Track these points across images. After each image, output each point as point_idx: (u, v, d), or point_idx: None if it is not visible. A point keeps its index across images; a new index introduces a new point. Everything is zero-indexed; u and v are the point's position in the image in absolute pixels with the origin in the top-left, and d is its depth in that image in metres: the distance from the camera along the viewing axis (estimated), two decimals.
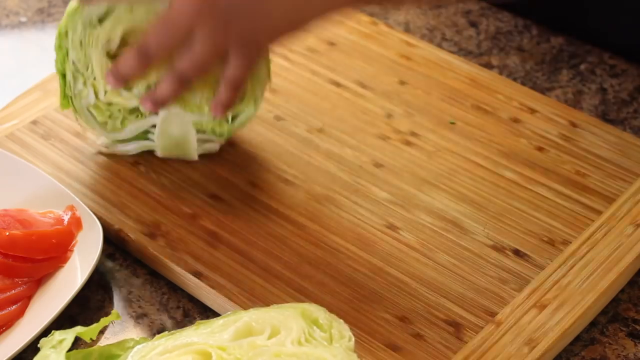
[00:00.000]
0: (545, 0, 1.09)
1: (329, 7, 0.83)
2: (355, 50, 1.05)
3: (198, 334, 0.68)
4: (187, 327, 0.69)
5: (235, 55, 0.82)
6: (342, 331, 0.68)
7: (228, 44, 0.82)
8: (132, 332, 0.80)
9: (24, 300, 0.80)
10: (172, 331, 0.69)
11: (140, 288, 0.84)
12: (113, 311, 0.71)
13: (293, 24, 0.82)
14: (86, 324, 0.80)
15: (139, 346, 0.68)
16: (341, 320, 0.69)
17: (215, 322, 0.69)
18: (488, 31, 1.10)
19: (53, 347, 0.68)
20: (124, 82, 0.85)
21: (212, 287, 0.81)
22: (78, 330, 0.68)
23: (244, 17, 0.81)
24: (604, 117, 0.99)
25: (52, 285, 0.81)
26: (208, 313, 0.82)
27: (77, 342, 0.76)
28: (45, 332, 0.74)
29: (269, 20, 0.82)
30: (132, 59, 0.83)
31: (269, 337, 0.67)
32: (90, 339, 0.72)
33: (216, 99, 0.85)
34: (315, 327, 0.68)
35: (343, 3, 0.84)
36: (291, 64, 1.03)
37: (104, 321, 0.70)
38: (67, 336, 0.68)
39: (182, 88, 0.84)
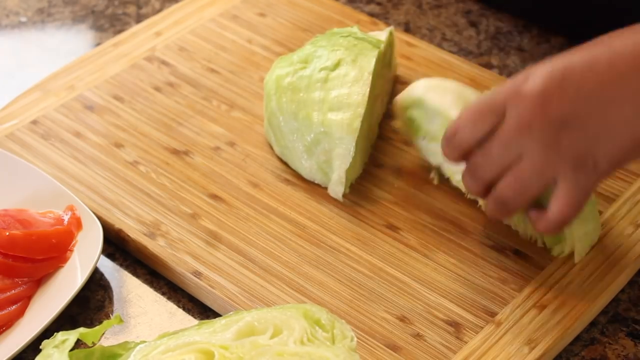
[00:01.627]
0: (545, 0, 1.09)
1: None
2: None
3: (200, 333, 0.68)
4: (189, 327, 0.69)
5: (565, 183, 0.71)
6: (345, 331, 0.68)
7: (558, 163, 0.70)
8: (132, 332, 0.80)
9: (24, 300, 0.80)
10: (174, 331, 0.69)
11: (140, 288, 0.84)
12: (115, 315, 0.71)
13: (633, 144, 0.69)
14: (86, 324, 0.80)
15: (141, 345, 0.68)
16: (343, 321, 0.69)
17: (218, 322, 0.69)
18: (488, 31, 1.10)
19: (55, 346, 0.68)
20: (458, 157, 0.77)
21: (212, 287, 0.81)
22: (81, 331, 0.68)
23: (580, 128, 0.68)
24: None
25: (52, 285, 0.81)
26: (208, 313, 0.82)
27: (77, 343, 0.76)
28: (45, 332, 0.75)
29: (612, 134, 0.69)
30: (445, 147, 0.76)
31: (272, 337, 0.67)
32: (92, 342, 0.72)
33: (542, 215, 0.74)
34: (317, 327, 0.68)
35: None
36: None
37: (106, 324, 0.70)
38: (69, 337, 0.68)
39: (503, 212, 0.75)
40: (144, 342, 0.69)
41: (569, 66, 0.70)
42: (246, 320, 0.68)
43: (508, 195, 0.74)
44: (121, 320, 0.71)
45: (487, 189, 0.76)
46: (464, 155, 0.76)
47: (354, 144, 0.85)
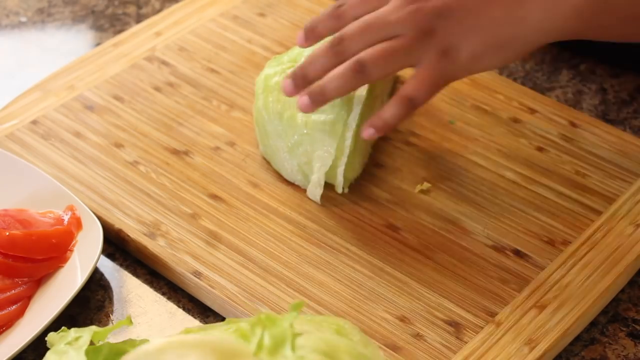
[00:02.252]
0: None
1: (541, 35, 0.75)
2: None
3: (229, 333, 0.65)
4: (217, 324, 0.67)
5: (426, 64, 0.76)
6: (376, 357, 0.66)
7: (427, 47, 0.76)
8: (132, 331, 0.80)
9: (24, 300, 0.80)
10: (201, 326, 0.67)
11: (140, 288, 0.84)
12: (127, 316, 0.71)
13: (497, 44, 0.75)
14: (86, 324, 0.80)
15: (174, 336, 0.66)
16: (375, 342, 0.66)
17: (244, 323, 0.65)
18: None
19: (69, 343, 0.67)
20: (312, 42, 0.80)
21: (212, 287, 0.81)
22: (94, 329, 0.68)
23: (457, 21, 0.75)
24: (604, 117, 0.99)
25: (52, 285, 0.81)
26: (208, 313, 0.82)
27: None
28: (45, 332, 0.74)
29: (481, 30, 0.75)
30: (324, 17, 0.79)
31: None
32: (99, 341, 0.71)
33: (377, 114, 0.79)
34: None
35: (557, 35, 0.77)
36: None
37: (117, 325, 0.70)
38: (83, 334, 0.67)
39: (357, 78, 0.77)
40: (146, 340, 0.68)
41: None
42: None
43: (368, 61, 0.77)
44: (131, 322, 0.70)
45: (324, 72, 0.79)
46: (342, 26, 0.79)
47: (335, 146, 0.85)
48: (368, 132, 0.80)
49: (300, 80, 0.81)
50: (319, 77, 0.80)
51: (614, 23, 0.79)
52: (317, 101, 0.80)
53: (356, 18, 0.79)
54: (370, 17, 0.78)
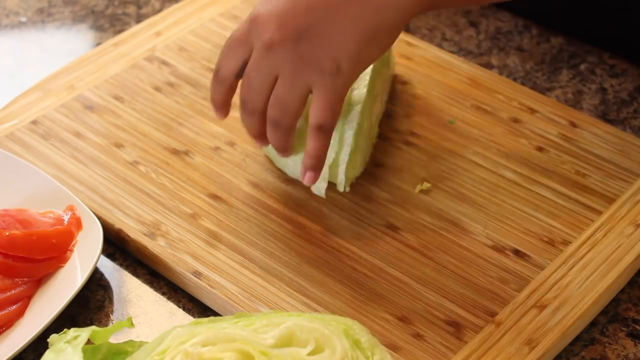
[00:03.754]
0: (545, 0, 1.09)
1: (401, 14, 0.77)
2: None
3: (240, 328, 0.66)
4: (226, 317, 0.67)
5: (317, 88, 0.76)
6: (384, 359, 0.66)
7: (305, 73, 0.76)
8: (132, 331, 0.80)
9: (24, 300, 0.80)
10: (209, 319, 0.67)
11: (140, 288, 0.84)
12: (128, 317, 0.71)
13: (367, 37, 0.75)
14: (86, 324, 0.80)
15: (178, 329, 0.66)
16: (382, 346, 0.66)
17: (258, 320, 0.66)
18: (488, 31, 1.10)
19: (67, 342, 0.67)
20: (223, 110, 0.83)
21: (212, 287, 0.81)
22: (93, 329, 0.68)
23: (315, 35, 0.75)
24: (604, 117, 0.99)
25: (52, 285, 0.81)
26: (208, 313, 0.82)
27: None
28: (45, 332, 0.75)
29: (344, 33, 0.75)
30: (213, 86, 0.82)
31: (312, 353, 0.65)
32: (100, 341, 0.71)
33: (304, 160, 0.80)
34: (357, 350, 0.65)
35: (414, 9, 0.78)
36: None
37: (118, 325, 0.70)
38: (82, 333, 0.67)
39: (283, 134, 0.80)
40: (146, 342, 0.69)
41: None
42: (288, 325, 0.66)
43: (275, 116, 0.78)
44: (132, 324, 0.70)
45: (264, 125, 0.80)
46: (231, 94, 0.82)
47: (335, 145, 0.84)
48: (308, 178, 0.81)
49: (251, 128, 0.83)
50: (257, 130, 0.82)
51: None
52: (286, 150, 0.82)
53: (236, 74, 0.81)
54: (248, 77, 0.79)
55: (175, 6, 1.11)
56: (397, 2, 0.76)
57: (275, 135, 0.80)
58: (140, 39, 1.06)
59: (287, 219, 0.87)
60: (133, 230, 0.86)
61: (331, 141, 0.83)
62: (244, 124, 0.83)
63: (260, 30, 0.76)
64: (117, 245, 0.87)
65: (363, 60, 0.78)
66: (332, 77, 0.76)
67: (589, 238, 0.85)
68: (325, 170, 0.85)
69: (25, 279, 0.81)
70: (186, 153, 0.93)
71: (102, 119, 0.97)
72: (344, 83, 0.77)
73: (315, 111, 0.77)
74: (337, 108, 0.77)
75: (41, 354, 0.68)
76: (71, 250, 0.83)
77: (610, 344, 0.79)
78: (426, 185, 0.89)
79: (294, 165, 0.88)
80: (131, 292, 0.84)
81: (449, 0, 0.87)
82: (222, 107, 0.84)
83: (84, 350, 0.66)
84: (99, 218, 0.85)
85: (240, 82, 0.81)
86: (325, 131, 0.78)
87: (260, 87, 0.78)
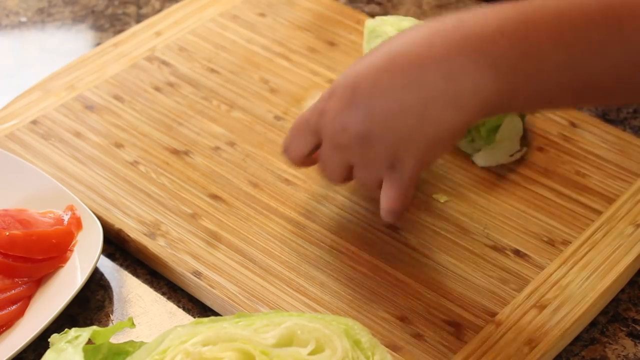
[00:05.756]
0: None
1: (463, 118, 0.73)
2: (355, 50, 1.05)
3: (240, 327, 0.66)
4: (227, 317, 0.67)
5: (387, 181, 0.77)
6: (384, 359, 0.66)
7: (374, 169, 0.77)
8: (132, 331, 0.80)
9: (24, 300, 0.80)
10: (212, 318, 0.67)
11: (140, 288, 0.84)
12: (129, 317, 0.71)
13: (427, 145, 0.74)
14: (86, 324, 0.80)
15: (179, 329, 0.66)
16: (383, 346, 0.66)
17: (258, 320, 0.66)
18: None
19: (68, 342, 0.67)
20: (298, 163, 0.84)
21: (212, 287, 0.81)
22: (94, 329, 0.68)
23: (378, 141, 0.75)
24: (604, 117, 0.99)
25: (52, 285, 0.81)
26: (208, 313, 0.82)
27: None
28: (45, 332, 0.75)
29: (406, 140, 0.74)
30: (284, 156, 0.83)
31: (312, 353, 0.65)
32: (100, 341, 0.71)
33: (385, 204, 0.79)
34: (357, 350, 0.66)
35: (476, 114, 0.73)
36: (291, 64, 1.03)
37: (118, 326, 0.70)
38: (82, 333, 0.67)
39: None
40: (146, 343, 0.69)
41: (357, 79, 0.75)
42: (288, 325, 0.66)
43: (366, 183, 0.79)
44: (133, 324, 0.70)
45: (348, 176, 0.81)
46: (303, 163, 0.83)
47: None
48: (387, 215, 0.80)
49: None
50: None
51: (537, 99, 0.75)
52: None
53: (306, 155, 0.82)
54: (324, 163, 0.80)
55: (175, 6, 1.11)
56: (454, 117, 0.73)
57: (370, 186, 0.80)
58: (140, 39, 1.06)
59: (287, 219, 0.87)
60: (133, 230, 0.86)
61: None
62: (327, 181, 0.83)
63: (328, 127, 0.77)
64: (117, 245, 0.87)
65: (432, 158, 0.78)
66: (400, 173, 0.76)
67: (589, 238, 0.85)
68: None
69: (25, 279, 0.81)
70: (186, 153, 0.93)
71: (102, 119, 0.97)
72: (412, 176, 0.76)
73: (386, 199, 0.78)
74: (408, 195, 0.78)
75: (41, 354, 0.68)
76: (71, 250, 0.83)
77: (610, 344, 0.79)
78: (443, 197, 0.88)
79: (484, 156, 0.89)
80: (131, 292, 0.84)
81: (522, 102, 0.76)
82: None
83: (85, 350, 0.66)
84: (99, 218, 0.85)
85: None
86: (398, 216, 0.79)
87: (336, 172, 0.79)
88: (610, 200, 0.88)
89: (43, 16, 1.14)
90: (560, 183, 0.90)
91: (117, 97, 0.99)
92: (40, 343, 0.75)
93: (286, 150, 0.83)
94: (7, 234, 0.81)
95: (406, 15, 1.12)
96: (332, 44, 1.05)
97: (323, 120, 0.77)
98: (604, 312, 0.82)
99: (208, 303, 0.82)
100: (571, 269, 0.82)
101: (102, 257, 0.86)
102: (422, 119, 0.73)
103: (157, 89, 1.00)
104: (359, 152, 0.76)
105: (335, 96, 0.76)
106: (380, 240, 0.85)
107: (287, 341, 0.66)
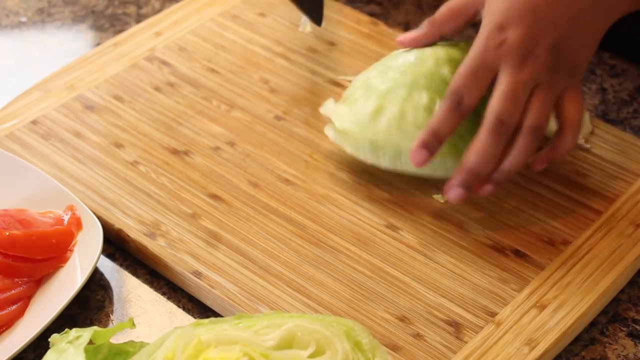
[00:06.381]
0: None
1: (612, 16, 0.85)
2: (355, 50, 1.05)
3: (240, 329, 0.66)
4: (227, 319, 0.67)
5: (567, 92, 0.83)
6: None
7: (562, 78, 0.83)
8: (132, 332, 0.80)
9: (24, 300, 0.80)
10: (212, 319, 0.67)
11: (140, 288, 0.84)
12: (130, 318, 0.71)
13: (598, 41, 0.84)
14: (86, 324, 0.80)
15: (178, 331, 0.65)
16: (384, 348, 0.66)
17: (259, 321, 0.66)
18: None
19: (69, 342, 0.67)
20: (439, 143, 0.83)
21: (212, 287, 0.81)
22: (95, 329, 0.68)
23: (567, 47, 0.82)
24: (604, 117, 0.99)
25: (52, 285, 0.81)
26: (208, 313, 0.82)
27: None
28: (45, 332, 0.75)
29: (586, 44, 0.84)
30: (446, 115, 0.82)
31: (313, 355, 0.65)
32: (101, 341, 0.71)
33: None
34: (358, 352, 0.65)
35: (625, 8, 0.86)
36: (291, 64, 1.03)
37: (119, 326, 0.70)
38: (83, 333, 0.67)
39: (536, 143, 0.82)
40: (146, 343, 0.68)
41: (533, 3, 0.81)
42: (289, 327, 0.66)
43: (536, 123, 0.81)
44: (134, 325, 0.70)
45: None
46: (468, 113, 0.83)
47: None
48: (537, 167, 0.86)
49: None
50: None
51: None
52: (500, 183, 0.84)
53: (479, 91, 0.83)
54: (509, 97, 0.81)
55: (175, 6, 1.11)
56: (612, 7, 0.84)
57: (531, 144, 0.82)
58: (140, 39, 1.06)
59: (287, 219, 0.87)
60: (133, 230, 0.86)
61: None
62: (488, 140, 0.81)
63: (514, 51, 0.80)
64: (117, 245, 0.87)
65: (592, 54, 0.85)
66: (577, 77, 0.83)
67: (589, 238, 0.85)
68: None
69: (25, 279, 0.81)
70: (186, 153, 0.93)
71: (102, 119, 0.97)
72: (580, 81, 0.85)
73: (575, 106, 0.83)
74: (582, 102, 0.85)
75: (41, 354, 0.68)
76: (71, 250, 0.83)
77: (610, 344, 0.79)
78: (443, 197, 0.88)
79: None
80: (131, 292, 0.84)
81: None
82: (446, 138, 0.84)
83: (85, 351, 0.66)
84: (99, 218, 0.85)
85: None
86: (581, 125, 0.85)
87: (521, 103, 0.81)
88: (610, 200, 0.88)
89: (43, 16, 1.14)
90: (560, 183, 0.90)
91: (117, 97, 0.99)
92: (40, 343, 0.75)
93: (460, 101, 0.81)
94: (7, 234, 0.81)
95: (406, 14, 1.12)
96: (332, 44, 1.05)
97: (502, 50, 0.81)
98: (604, 312, 0.82)
99: (208, 303, 0.82)
100: (571, 269, 0.82)
101: (102, 257, 0.86)
102: (595, 16, 0.83)
103: (157, 89, 1.00)
104: (552, 62, 0.80)
105: (512, 24, 0.81)
106: (380, 240, 0.85)
107: (287, 343, 0.65)
